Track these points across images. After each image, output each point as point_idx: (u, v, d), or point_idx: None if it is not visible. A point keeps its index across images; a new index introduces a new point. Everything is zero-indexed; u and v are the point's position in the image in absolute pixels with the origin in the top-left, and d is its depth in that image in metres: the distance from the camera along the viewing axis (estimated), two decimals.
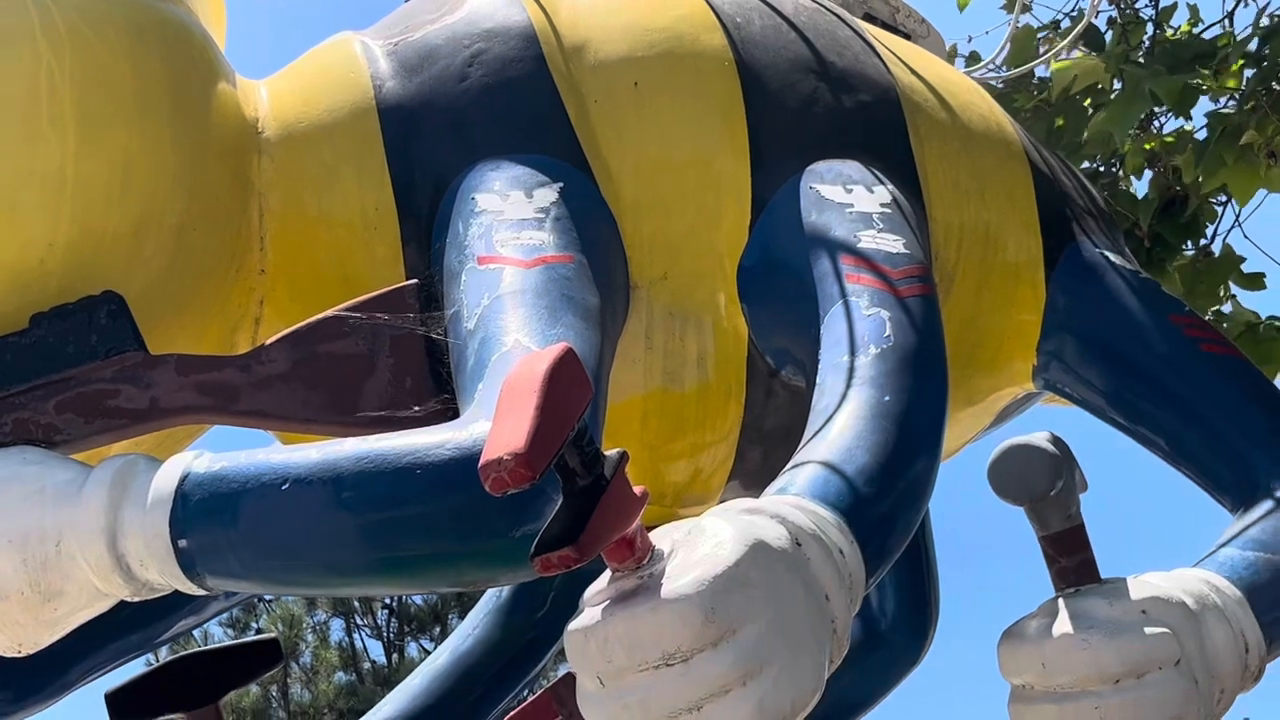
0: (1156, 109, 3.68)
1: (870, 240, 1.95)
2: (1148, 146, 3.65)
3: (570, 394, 1.38)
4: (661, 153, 2.06)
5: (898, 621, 2.62)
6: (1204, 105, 3.57)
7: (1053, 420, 2.54)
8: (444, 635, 18.64)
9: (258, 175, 2.03)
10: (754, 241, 2.04)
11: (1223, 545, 1.88)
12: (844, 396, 1.74)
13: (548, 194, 1.94)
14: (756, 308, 2.04)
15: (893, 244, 1.95)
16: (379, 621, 22.45)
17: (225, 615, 15.87)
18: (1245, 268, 3.66)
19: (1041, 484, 1.65)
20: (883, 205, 2.02)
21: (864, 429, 1.69)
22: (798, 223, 2.00)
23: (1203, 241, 3.73)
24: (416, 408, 1.78)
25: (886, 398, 1.73)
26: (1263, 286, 3.63)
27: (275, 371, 1.81)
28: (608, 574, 1.47)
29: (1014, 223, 2.25)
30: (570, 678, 2.74)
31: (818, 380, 1.81)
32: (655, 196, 2.04)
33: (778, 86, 2.13)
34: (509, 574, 1.65)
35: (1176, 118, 3.57)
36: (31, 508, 1.61)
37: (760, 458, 2.17)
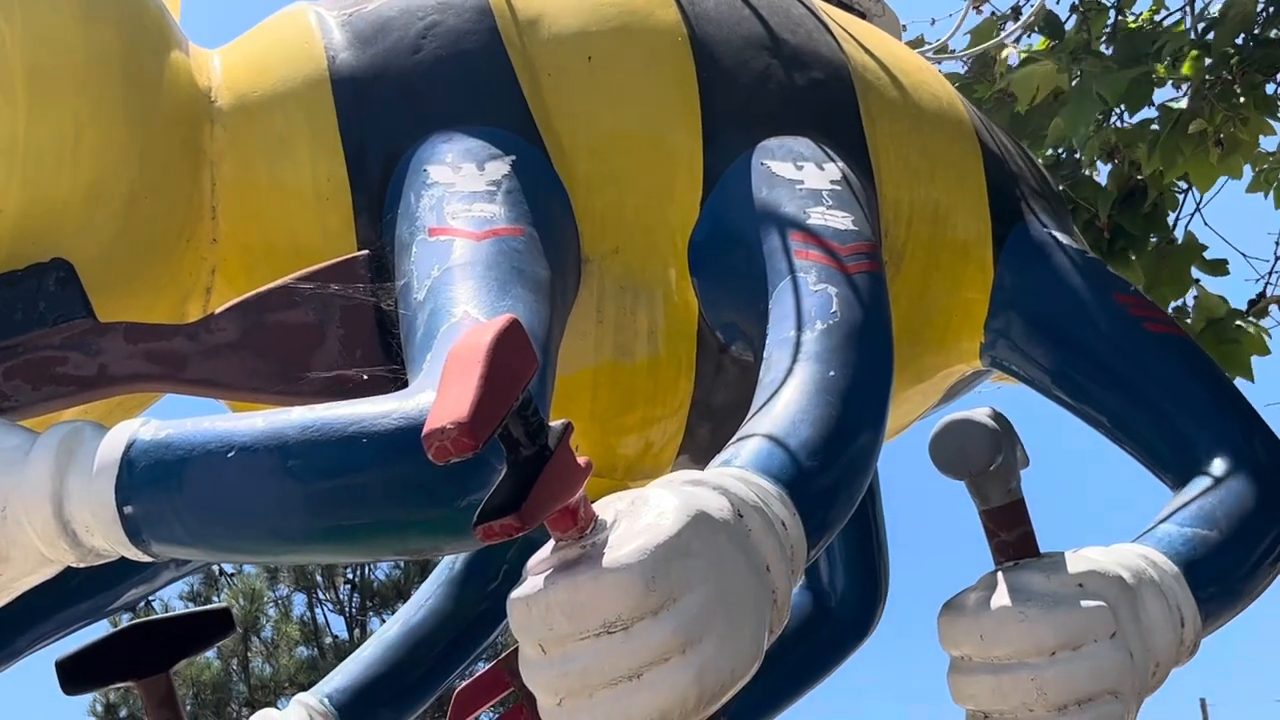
0: (1107, 110, 3.73)
1: (819, 217, 1.96)
2: (1104, 141, 3.68)
3: (515, 364, 1.39)
4: (614, 127, 2.06)
5: (847, 597, 2.64)
6: (1164, 94, 3.62)
7: (997, 397, 2.57)
8: None
9: (210, 144, 2.03)
10: (705, 216, 2.06)
11: (1161, 522, 1.91)
12: (789, 371, 1.76)
13: (500, 167, 1.95)
14: (707, 283, 2.05)
15: (841, 221, 1.97)
16: (341, 596, 22.40)
17: (185, 589, 15.81)
18: (1208, 255, 3.70)
19: (981, 459, 1.67)
20: (833, 182, 2.04)
21: (808, 403, 1.71)
22: (748, 198, 2.02)
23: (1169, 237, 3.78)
24: (364, 376, 1.79)
25: (831, 372, 1.75)
26: (1225, 272, 3.68)
27: (224, 340, 1.82)
28: (551, 543, 1.48)
29: (963, 202, 2.27)
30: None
31: (764, 355, 1.83)
32: (608, 171, 2.05)
33: (731, 63, 2.14)
34: (454, 543, 1.66)
35: (1131, 114, 3.61)
36: None
37: (710, 433, 2.18)
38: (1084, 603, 1.66)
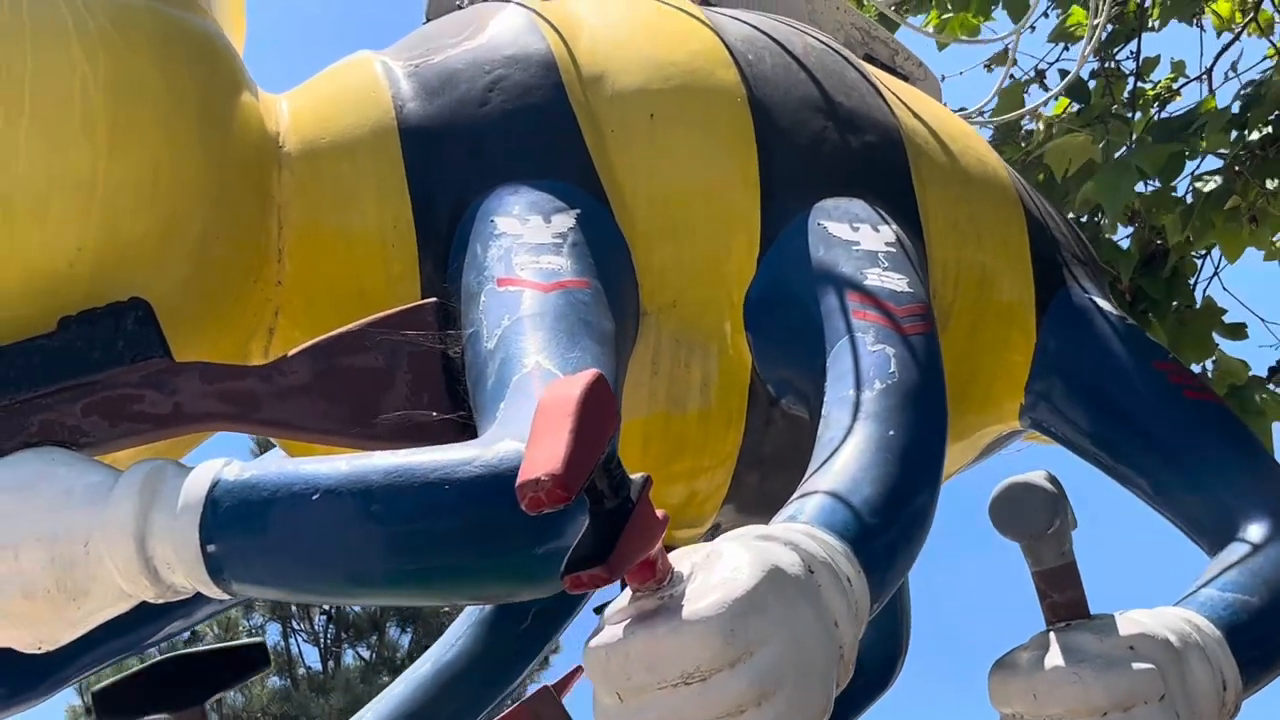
0: (1144, 181, 3.79)
1: (876, 278, 2.01)
2: (1126, 206, 3.75)
3: (601, 418, 1.44)
4: (675, 183, 2.11)
5: (871, 649, 2.67)
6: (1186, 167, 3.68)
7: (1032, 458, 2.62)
8: (381, 643, 18.58)
9: (278, 188, 2.07)
10: (762, 274, 2.10)
11: (1202, 586, 1.95)
12: (849, 430, 1.80)
13: (565, 220, 1.99)
14: (761, 338, 2.10)
15: (897, 282, 2.02)
16: (316, 627, 22.29)
17: None
18: (1226, 319, 3.76)
19: (1040, 521, 1.71)
20: (888, 244, 2.08)
21: (869, 462, 1.75)
22: (805, 258, 2.06)
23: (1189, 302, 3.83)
24: (434, 418, 1.82)
25: (891, 432, 1.79)
26: (1245, 336, 3.74)
27: (296, 383, 1.85)
28: (628, 593, 1.52)
29: (1008, 266, 2.32)
30: (546, 692, 2.79)
31: (823, 413, 1.87)
32: (668, 226, 2.09)
33: (788, 124, 2.19)
34: (529, 590, 1.69)
35: (1164, 184, 3.68)
36: (61, 507, 1.64)
37: (756, 483, 2.22)
38: (1135, 665, 1.70)
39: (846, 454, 1.76)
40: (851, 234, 2.08)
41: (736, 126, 2.16)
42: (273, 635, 19.26)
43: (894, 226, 2.14)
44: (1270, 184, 3.43)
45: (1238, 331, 3.73)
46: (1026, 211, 2.41)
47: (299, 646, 22.98)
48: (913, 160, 2.27)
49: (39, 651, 1.70)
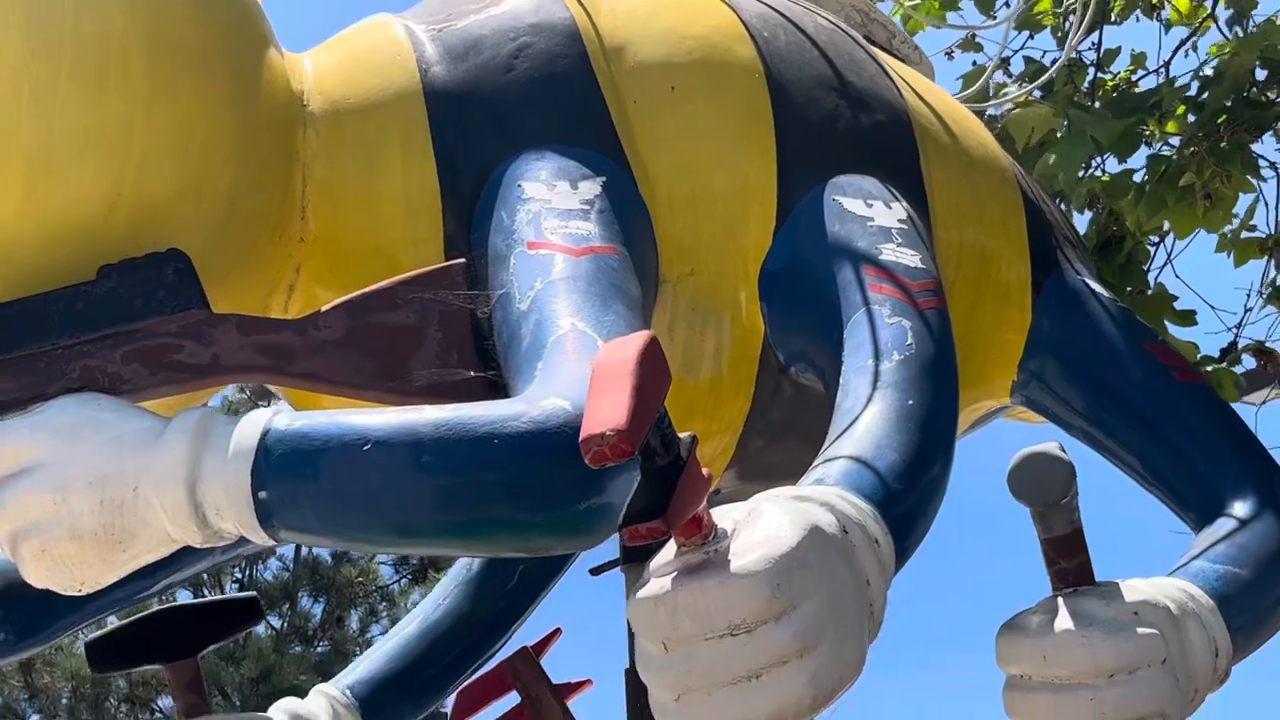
0: (1099, 155, 3.88)
1: (891, 253, 2.08)
2: (1087, 190, 3.83)
3: (656, 377, 1.49)
4: (694, 155, 2.16)
5: None
6: (1143, 150, 3.77)
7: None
8: (294, 613, 18.49)
9: (303, 146, 2.09)
10: (777, 246, 2.16)
11: (1193, 559, 2.04)
12: (869, 398, 1.87)
13: (592, 187, 2.03)
14: (776, 309, 2.15)
15: (910, 258, 2.08)
16: (227, 594, 22.10)
17: None
18: (1177, 305, 3.87)
19: (1056, 490, 1.78)
20: (900, 221, 2.15)
21: (890, 430, 1.82)
22: (821, 232, 2.12)
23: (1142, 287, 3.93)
24: (469, 375, 1.86)
25: (910, 401, 1.86)
26: (1194, 323, 3.85)
27: (330, 337, 1.88)
28: (672, 548, 1.57)
29: (1007, 246, 2.40)
30: (525, 653, 2.84)
31: (841, 382, 1.93)
32: (687, 196, 2.14)
33: (803, 100, 2.24)
34: (571, 542, 1.73)
35: (1120, 162, 3.76)
36: (110, 451, 1.66)
37: (759, 451, 2.28)
38: (1140, 630, 1.78)
39: (868, 421, 1.83)
40: (865, 210, 2.14)
41: (754, 102, 2.21)
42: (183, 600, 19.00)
43: (904, 204, 2.20)
44: (1227, 166, 3.53)
45: (1188, 318, 3.84)
46: (1023, 194, 2.49)
47: None
48: (920, 141, 2.34)
49: (78, 593, 1.72)
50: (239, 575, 18.42)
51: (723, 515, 1.58)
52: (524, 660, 2.82)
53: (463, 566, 2.78)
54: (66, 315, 1.79)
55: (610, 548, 2.47)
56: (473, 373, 1.88)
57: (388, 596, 21.01)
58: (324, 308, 1.91)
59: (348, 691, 2.60)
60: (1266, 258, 4.07)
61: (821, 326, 2.05)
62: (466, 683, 2.78)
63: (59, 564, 1.68)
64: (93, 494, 1.65)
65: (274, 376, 1.87)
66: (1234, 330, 4.13)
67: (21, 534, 1.67)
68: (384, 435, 1.62)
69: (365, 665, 2.67)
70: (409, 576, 21.02)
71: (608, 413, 1.43)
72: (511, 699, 2.83)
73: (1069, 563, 1.85)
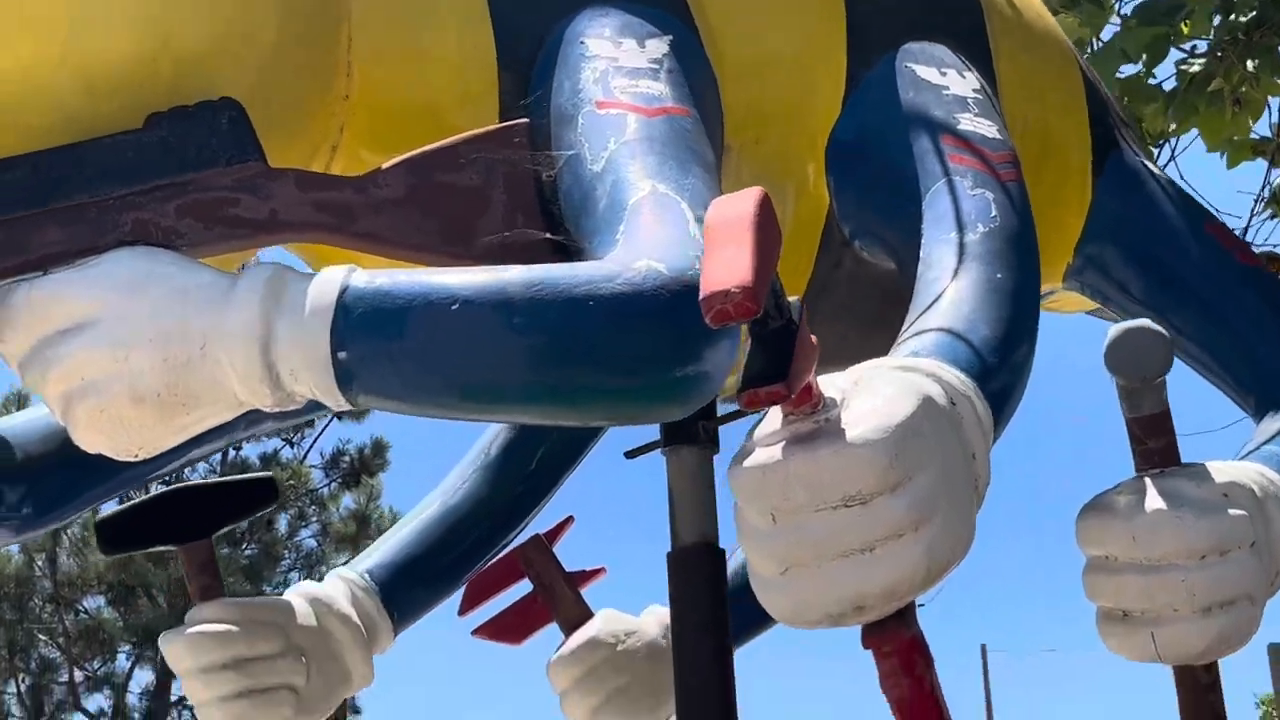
0: (1130, 64, 3.81)
1: (968, 123, 2.00)
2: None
3: (771, 235, 1.41)
4: (763, 20, 2.07)
5: None
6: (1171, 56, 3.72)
7: None
8: None
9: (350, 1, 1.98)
10: (847, 115, 2.08)
11: (1263, 443, 2.00)
12: (956, 271, 1.80)
13: (660, 45, 1.94)
14: (843, 180, 2.08)
15: (988, 129, 2.01)
16: None
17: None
18: None
19: (1155, 366, 1.72)
20: (975, 91, 2.07)
21: (981, 303, 1.75)
22: (894, 100, 2.04)
23: None
24: (542, 237, 1.77)
25: (998, 275, 1.79)
26: None
27: (390, 196, 1.78)
28: (776, 417, 1.50)
29: (1068, 125, 2.33)
30: (538, 540, 2.78)
31: (922, 255, 1.86)
32: (755, 62, 2.05)
33: None
34: (662, 411, 1.66)
35: (1148, 71, 3.70)
36: (175, 307, 1.56)
37: (817, 324, 2.21)
38: (1231, 511, 1.73)
39: (957, 294, 1.76)
40: (940, 78, 2.06)
41: None
42: (109, 503, 18.84)
43: (976, 74, 2.13)
44: (1251, 65, 3.48)
45: None
46: (1082, 71, 2.42)
47: None
48: (986, 12, 2.26)
49: (134, 459, 1.62)
50: (167, 479, 18.21)
51: (828, 384, 1.51)
52: (536, 548, 2.76)
53: (480, 451, 2.70)
54: (115, 164, 1.67)
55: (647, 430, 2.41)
56: (546, 235, 1.78)
57: (317, 500, 20.96)
58: (384, 165, 1.80)
59: (366, 576, 2.53)
60: (1268, 162, 4.05)
61: (893, 199, 1.98)
62: (477, 573, 2.72)
63: (117, 427, 1.58)
64: (156, 351, 1.54)
65: (333, 235, 1.77)
66: (1241, 234, 4.10)
67: (77, 394, 1.57)
68: (472, 294, 1.53)
69: (383, 549, 2.60)
70: (339, 480, 20.94)
71: (730, 269, 1.35)
72: (523, 587, 2.78)
73: (1156, 443, 1.80)
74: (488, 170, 1.82)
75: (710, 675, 2.12)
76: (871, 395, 1.47)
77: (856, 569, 1.42)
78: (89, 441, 1.61)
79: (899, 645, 1.52)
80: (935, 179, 1.93)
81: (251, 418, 2.20)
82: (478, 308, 1.52)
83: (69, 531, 21.40)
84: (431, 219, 1.79)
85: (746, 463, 1.47)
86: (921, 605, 1.60)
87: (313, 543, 22.32)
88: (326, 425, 23.58)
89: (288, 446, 20.50)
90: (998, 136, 2.01)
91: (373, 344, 1.53)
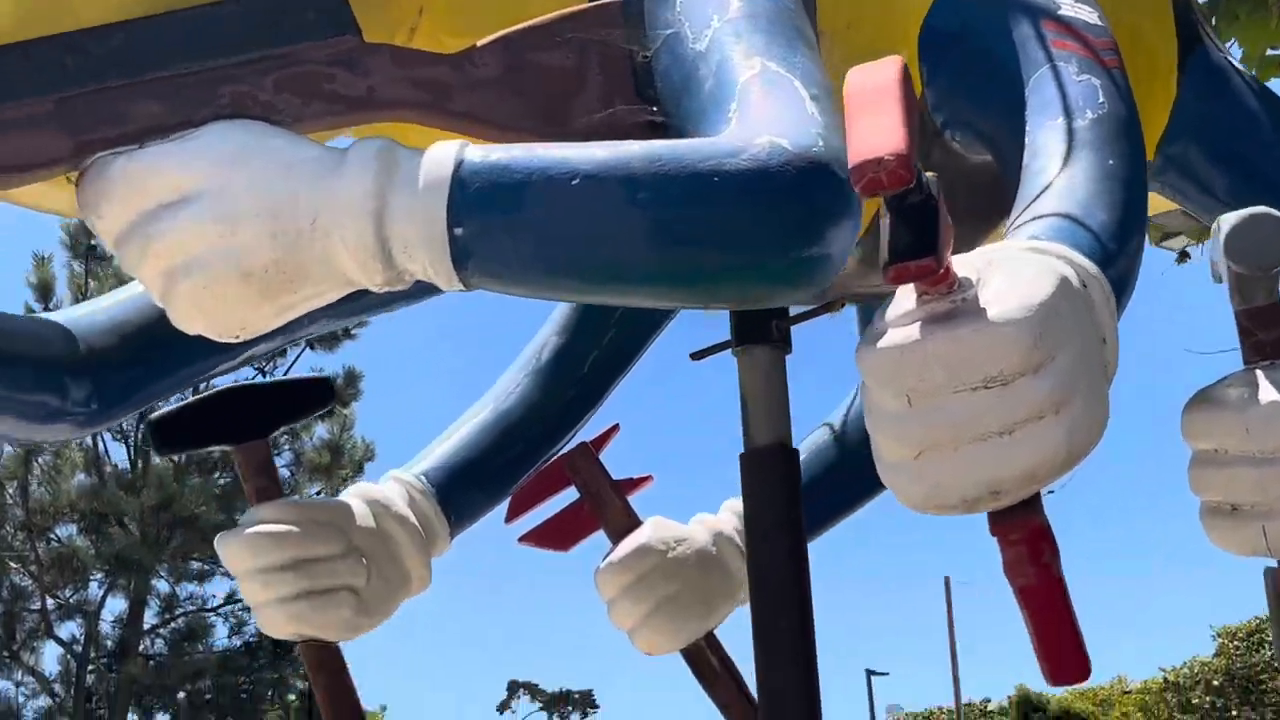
0: None
1: (1069, 8, 1.95)
2: None
3: (912, 102, 1.36)
4: None
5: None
6: None
7: None
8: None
9: None
10: (942, 2, 2.02)
11: None
12: (1066, 157, 1.75)
13: None
14: (938, 68, 2.02)
15: (1089, 15, 1.96)
16: (125, 426, 21.82)
17: None
18: None
19: (1276, 255, 1.68)
20: None
21: (1097, 189, 1.70)
22: None
23: None
24: (643, 117, 1.71)
25: (1111, 161, 1.75)
26: None
27: (487, 74, 1.72)
28: (909, 297, 1.45)
29: (1154, 20, 2.28)
30: (584, 447, 2.74)
31: (1028, 142, 1.81)
32: None
33: None
34: (786, 293, 1.62)
35: None
36: (282, 180, 1.50)
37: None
38: None
39: (1071, 179, 1.71)
40: None
41: None
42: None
43: None
44: None
45: None
46: None
47: (105, 444, 22.49)
48: None
49: (236, 339, 1.56)
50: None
51: (962, 264, 1.46)
52: (583, 455, 2.72)
53: (531, 355, 2.66)
54: (212, 35, 1.61)
55: (716, 329, 2.36)
56: (645, 115, 1.73)
57: (290, 430, 20.89)
58: (479, 43, 1.74)
59: (422, 478, 2.49)
60: None
61: (991, 86, 1.93)
62: (523, 482, 2.68)
63: (220, 305, 1.52)
64: (264, 225, 1.49)
65: (430, 114, 1.71)
66: None
67: (181, 270, 1.51)
68: (593, 169, 1.48)
69: (438, 453, 2.55)
70: None
71: (881, 137, 1.30)
72: (570, 494, 2.75)
73: (1266, 335, 1.76)
74: (582, 50, 1.77)
75: (787, 574, 2.09)
76: (1009, 275, 1.43)
77: (996, 452, 1.38)
78: (189, 322, 1.55)
79: (1027, 533, 1.48)
80: (1038, 65, 1.88)
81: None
82: (599, 182, 1.47)
83: (40, 459, 21.30)
84: (528, 99, 1.74)
85: (881, 343, 1.42)
86: (1050, 493, 1.55)
87: (286, 472, 22.27)
88: (299, 355, 23.42)
89: (259, 376, 20.42)
90: (1099, 23, 1.96)
91: (490, 219, 1.48)
